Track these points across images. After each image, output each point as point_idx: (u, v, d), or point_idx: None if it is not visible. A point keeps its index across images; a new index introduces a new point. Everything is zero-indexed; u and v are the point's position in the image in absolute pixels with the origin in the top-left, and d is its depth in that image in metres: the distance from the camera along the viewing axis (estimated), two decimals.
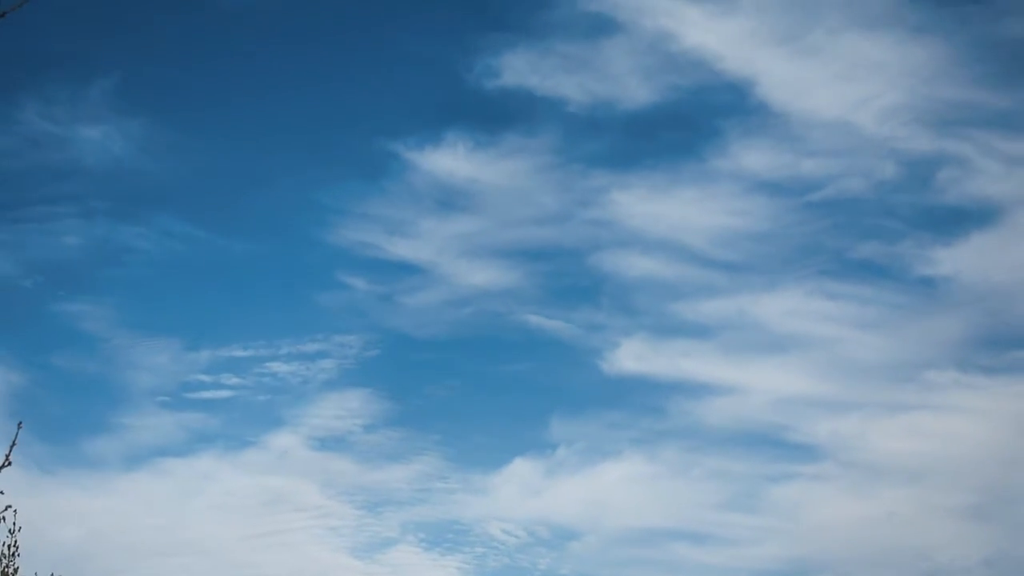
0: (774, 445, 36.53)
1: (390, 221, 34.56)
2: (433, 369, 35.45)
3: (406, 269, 34.61)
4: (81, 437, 35.10)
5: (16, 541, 13.80)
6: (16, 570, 13.99)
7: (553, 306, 36.52)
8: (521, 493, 36.36)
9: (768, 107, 34.76)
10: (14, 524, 13.54)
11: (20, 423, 11.77)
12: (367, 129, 35.58)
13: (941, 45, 33.83)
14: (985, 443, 35.98)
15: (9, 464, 12.13)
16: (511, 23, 35.18)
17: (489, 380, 36.17)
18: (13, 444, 11.93)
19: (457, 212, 34.69)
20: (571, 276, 36.45)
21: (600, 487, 37.11)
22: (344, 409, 34.74)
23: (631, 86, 34.09)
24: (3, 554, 13.86)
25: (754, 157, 35.61)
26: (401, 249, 34.97)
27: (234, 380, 34.34)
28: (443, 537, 34.83)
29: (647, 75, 34.11)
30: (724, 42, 34.34)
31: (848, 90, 34.92)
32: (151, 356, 34.55)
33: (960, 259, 35.11)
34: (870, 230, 35.71)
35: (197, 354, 34.48)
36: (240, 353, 34.18)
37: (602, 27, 33.67)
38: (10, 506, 12.93)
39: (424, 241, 34.53)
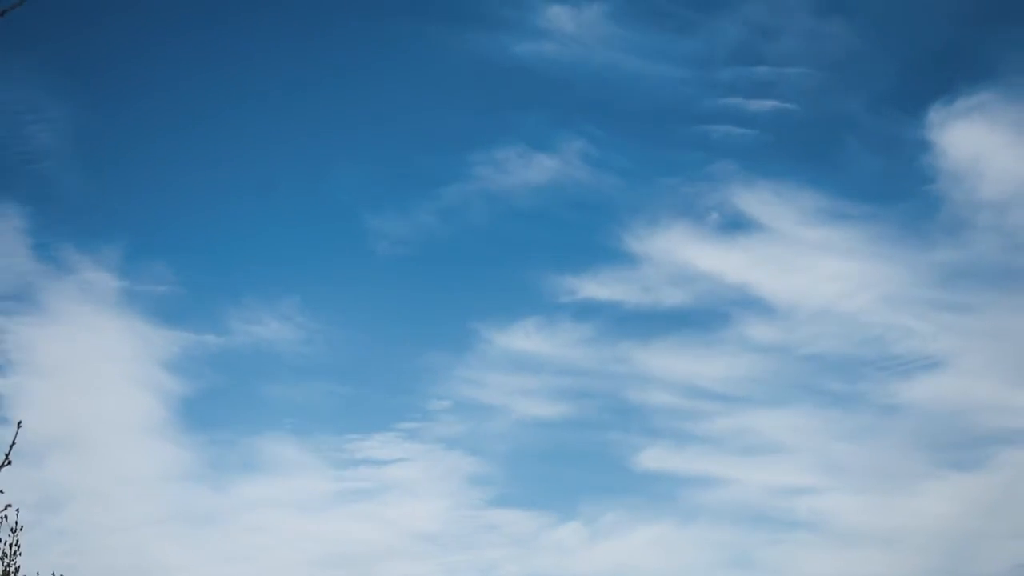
0: (765, 519, 47.78)
1: (471, 379, 50.39)
2: (510, 471, 50.05)
3: (483, 409, 50.13)
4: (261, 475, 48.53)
5: (18, 540, 13.58)
6: (17, 569, 13.77)
7: (591, 429, 50.92)
8: (563, 554, 47.18)
9: (763, 301, 50.11)
10: (16, 523, 13.36)
11: (20, 422, 11.50)
12: (462, 317, 52.65)
13: (890, 263, 50.21)
14: (948, 518, 46.34)
15: (9, 463, 11.87)
16: (587, 263, 51.42)
17: (546, 480, 51.46)
18: (13, 444, 11.70)
19: (521, 372, 50.78)
20: (605, 409, 50.92)
21: (627, 552, 47.35)
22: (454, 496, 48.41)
23: (662, 293, 50.69)
24: (5, 553, 13.65)
25: (752, 330, 50.46)
26: (480, 396, 50.09)
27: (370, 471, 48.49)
28: None
29: (674, 286, 50.61)
30: (727, 265, 50.66)
31: (823, 290, 50.90)
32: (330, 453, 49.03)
33: (911, 392, 48.89)
34: (843, 373, 50.14)
35: (353, 446, 48.67)
36: (376, 453, 48.73)
37: (644, 260, 50.38)
38: (10, 505, 12.73)
39: (496, 390, 50.31)
